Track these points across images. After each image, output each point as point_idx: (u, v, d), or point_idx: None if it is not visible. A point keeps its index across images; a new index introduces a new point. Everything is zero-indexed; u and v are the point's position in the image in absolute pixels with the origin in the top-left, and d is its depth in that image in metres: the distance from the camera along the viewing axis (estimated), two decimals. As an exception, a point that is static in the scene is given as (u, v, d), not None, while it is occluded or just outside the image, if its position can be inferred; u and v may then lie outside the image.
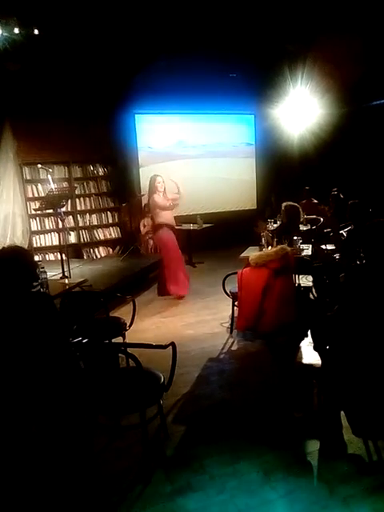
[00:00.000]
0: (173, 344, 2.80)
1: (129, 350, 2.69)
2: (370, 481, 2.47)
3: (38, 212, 7.16)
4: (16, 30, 5.77)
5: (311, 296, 4.76)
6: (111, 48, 6.81)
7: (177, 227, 6.49)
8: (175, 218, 6.41)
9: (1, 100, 7.23)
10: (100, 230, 8.64)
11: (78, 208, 8.40)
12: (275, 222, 6.53)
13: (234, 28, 6.52)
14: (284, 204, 5.19)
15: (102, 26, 6.17)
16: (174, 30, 6.42)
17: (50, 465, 2.58)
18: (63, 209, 5.69)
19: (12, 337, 2.36)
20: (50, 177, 6.02)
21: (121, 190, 8.60)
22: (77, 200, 8.34)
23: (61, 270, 5.34)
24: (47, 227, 8.11)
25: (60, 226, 6.04)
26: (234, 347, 4.50)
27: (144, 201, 5.83)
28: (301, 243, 4.92)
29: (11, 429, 2.42)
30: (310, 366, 3.87)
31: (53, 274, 5.12)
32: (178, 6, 5.88)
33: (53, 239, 8.08)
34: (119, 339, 3.74)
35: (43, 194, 7.59)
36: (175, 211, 6.38)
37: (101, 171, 8.62)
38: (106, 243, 8.70)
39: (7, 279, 2.40)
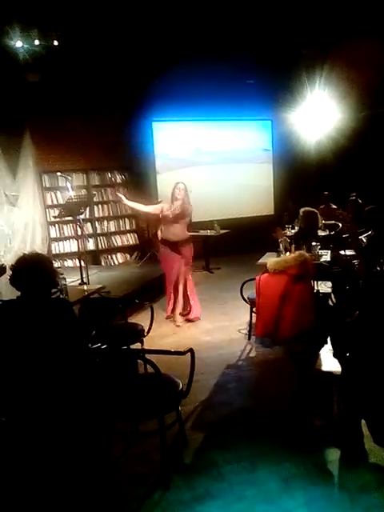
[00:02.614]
0: (191, 350, 2.80)
1: (147, 356, 2.70)
2: (393, 491, 2.42)
3: (57, 219, 7.25)
4: (36, 42, 5.91)
5: (330, 302, 4.71)
6: (128, 56, 6.90)
7: (193, 233, 6.29)
8: (192, 224, 6.22)
9: (21, 109, 7.37)
10: (118, 237, 8.71)
11: (96, 215, 8.48)
12: (293, 228, 6.49)
13: (250, 34, 6.54)
14: (302, 209, 5.15)
15: (119, 34, 6.26)
16: (190, 37, 6.47)
17: (69, 471, 2.59)
18: (82, 216, 5.74)
19: (32, 343, 2.38)
20: (68, 184, 6.11)
21: (138, 196, 8.66)
22: (95, 207, 8.43)
23: (79, 277, 5.39)
24: (66, 234, 8.22)
25: (79, 232, 6.10)
26: (252, 354, 4.48)
27: (160, 206, 5.59)
28: (319, 249, 4.87)
29: (30, 434, 2.44)
30: (330, 374, 3.82)
31: (71, 280, 5.17)
32: (194, 14, 5.93)
33: (71, 246, 8.17)
34: (137, 345, 3.76)
35: (62, 202, 7.69)
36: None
37: (118, 178, 8.70)
38: (123, 250, 8.76)
39: (28, 286, 2.44)
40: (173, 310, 5.54)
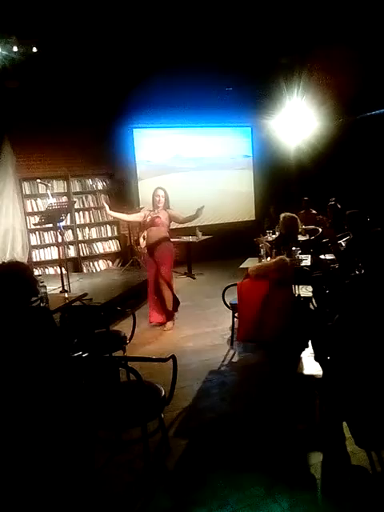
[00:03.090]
0: (173, 357, 2.80)
1: (129, 363, 2.68)
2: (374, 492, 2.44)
3: (38, 226, 7.18)
4: (15, 49, 5.86)
5: (311, 306, 4.76)
6: (108, 64, 6.89)
7: (175, 240, 6.33)
8: (174, 230, 6.22)
9: (0, 116, 7.30)
10: (99, 244, 8.66)
11: (78, 222, 8.43)
12: (274, 233, 6.56)
13: (229, 41, 6.60)
14: (282, 215, 5.21)
15: (99, 42, 6.25)
16: (169, 45, 6.50)
17: (50, 480, 2.56)
18: (62, 223, 5.70)
19: (11, 352, 2.35)
20: (49, 191, 6.06)
21: (119, 203, 8.64)
22: (76, 214, 8.38)
23: (60, 284, 5.34)
24: (47, 241, 8.14)
25: (59, 240, 6.05)
26: (235, 359, 4.48)
27: (143, 213, 5.60)
28: (299, 253, 4.93)
29: (11, 444, 2.40)
30: (312, 377, 3.86)
31: (52, 288, 5.12)
32: (173, 21, 5.96)
33: (52, 253, 8.09)
34: (120, 353, 3.73)
35: (42, 209, 7.63)
36: (173, 223, 5.69)
37: (100, 185, 8.67)
38: (105, 256, 8.72)
39: (6, 295, 2.41)
40: (164, 318, 5.52)
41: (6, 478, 2.43)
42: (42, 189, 7.83)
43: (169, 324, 5.47)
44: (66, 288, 5.35)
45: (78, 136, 8.15)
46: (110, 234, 8.76)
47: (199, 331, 5.29)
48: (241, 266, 4.91)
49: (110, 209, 5.55)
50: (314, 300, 4.77)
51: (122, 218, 5.72)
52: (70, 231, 8.28)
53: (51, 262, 8.09)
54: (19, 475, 2.47)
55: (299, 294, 4.83)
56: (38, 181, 6.90)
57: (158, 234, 5.39)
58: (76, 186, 8.46)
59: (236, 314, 4.59)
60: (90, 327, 3.79)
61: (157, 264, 5.41)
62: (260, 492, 2.51)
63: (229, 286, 4.74)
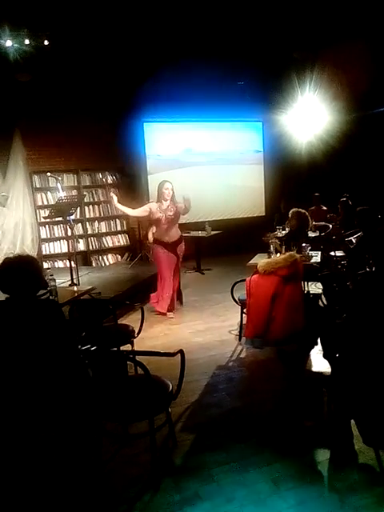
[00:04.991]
0: (181, 352, 2.80)
1: (137, 357, 2.69)
2: (382, 491, 2.43)
3: (48, 220, 7.22)
4: (26, 42, 5.88)
5: (321, 303, 4.73)
6: (119, 57, 6.88)
7: (185, 235, 6.33)
8: (183, 225, 6.24)
9: (11, 110, 7.33)
10: (108, 238, 8.68)
11: (87, 216, 8.45)
12: (284, 229, 6.52)
13: (241, 35, 6.56)
14: (292, 211, 5.18)
15: (110, 35, 6.24)
16: (181, 38, 6.48)
17: (58, 472, 2.58)
18: (72, 216, 5.72)
19: (20, 344, 2.37)
20: (59, 185, 6.08)
21: (129, 197, 8.64)
22: (86, 208, 8.39)
23: (70, 278, 5.37)
24: (56, 235, 8.17)
25: (69, 233, 6.08)
26: (243, 355, 4.48)
27: (147, 208, 5.58)
28: (309, 250, 4.90)
29: (19, 436, 2.42)
30: (320, 375, 3.84)
31: (62, 281, 5.15)
32: (185, 15, 5.93)
33: (62, 247, 8.13)
34: (128, 347, 3.74)
35: (52, 202, 7.65)
36: (182, 219, 5.88)
37: (109, 179, 8.68)
38: (114, 250, 8.74)
39: (15, 287, 2.42)
40: (172, 307, 5.68)
41: (12, 470, 2.46)
42: (52, 182, 7.86)
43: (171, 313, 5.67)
44: (75, 281, 5.37)
45: (89, 130, 8.14)
46: (119, 228, 8.77)
47: (207, 326, 5.28)
48: (250, 262, 4.88)
49: (118, 201, 5.53)
50: (323, 297, 4.74)
51: (127, 212, 5.72)
52: (79, 225, 8.29)
53: (61, 256, 8.13)
54: (26, 467, 2.49)
55: (308, 291, 4.80)
56: (48, 174, 6.92)
57: (177, 231, 5.60)
58: (86, 180, 8.48)
59: (244, 310, 4.58)
60: (98, 321, 3.80)
61: (178, 258, 5.61)
62: (266, 488, 2.51)
63: (238, 282, 4.73)
